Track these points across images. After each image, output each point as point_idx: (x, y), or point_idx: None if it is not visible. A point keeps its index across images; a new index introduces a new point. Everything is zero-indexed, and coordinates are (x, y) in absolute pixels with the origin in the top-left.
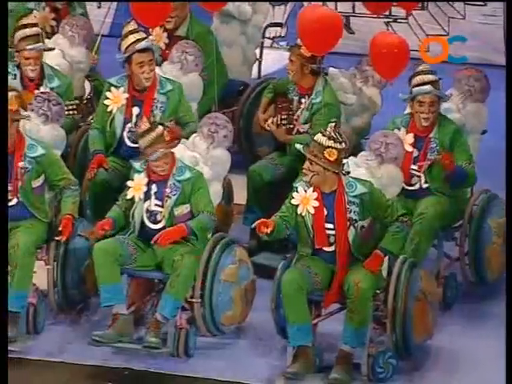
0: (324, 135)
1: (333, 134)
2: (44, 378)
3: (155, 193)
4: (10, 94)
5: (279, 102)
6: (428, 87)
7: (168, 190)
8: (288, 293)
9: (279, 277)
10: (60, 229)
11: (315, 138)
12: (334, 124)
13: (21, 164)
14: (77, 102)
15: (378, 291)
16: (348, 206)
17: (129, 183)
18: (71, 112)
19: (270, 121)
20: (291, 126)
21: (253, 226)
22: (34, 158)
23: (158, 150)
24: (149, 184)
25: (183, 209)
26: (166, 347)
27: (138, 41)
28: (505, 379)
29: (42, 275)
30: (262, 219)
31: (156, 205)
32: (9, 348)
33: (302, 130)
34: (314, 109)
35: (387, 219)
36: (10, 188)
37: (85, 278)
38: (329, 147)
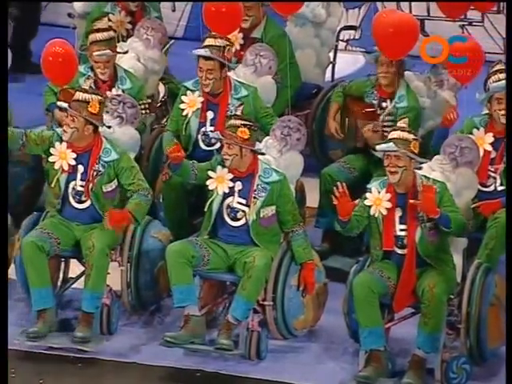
0: (403, 131)
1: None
2: (116, 378)
3: (240, 190)
4: (95, 97)
5: (361, 108)
6: (505, 83)
7: (256, 191)
8: (360, 296)
9: (351, 280)
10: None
11: (397, 136)
12: (406, 119)
13: (95, 167)
14: (149, 100)
15: (452, 296)
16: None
17: (210, 173)
18: (143, 111)
19: (366, 128)
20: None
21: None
22: (107, 163)
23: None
24: (233, 180)
25: (269, 211)
26: (237, 349)
27: (208, 47)
28: None
29: (115, 276)
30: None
31: (239, 203)
32: (82, 348)
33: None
34: (399, 113)
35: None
36: (82, 189)
37: (158, 280)
38: (414, 140)
